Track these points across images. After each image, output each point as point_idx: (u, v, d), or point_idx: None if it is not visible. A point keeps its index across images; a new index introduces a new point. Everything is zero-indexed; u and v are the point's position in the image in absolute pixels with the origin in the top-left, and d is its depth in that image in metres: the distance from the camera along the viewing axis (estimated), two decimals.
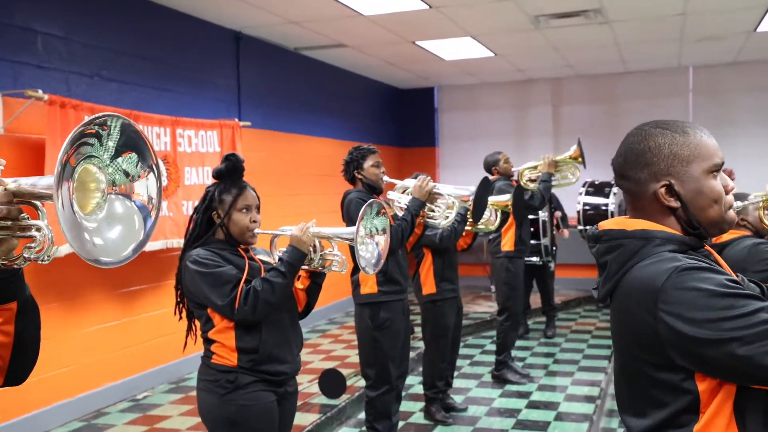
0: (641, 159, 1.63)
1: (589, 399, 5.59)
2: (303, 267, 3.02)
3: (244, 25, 7.03)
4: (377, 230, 3.10)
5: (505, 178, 6.21)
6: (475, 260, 10.80)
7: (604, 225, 1.68)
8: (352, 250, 3.04)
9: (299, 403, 5.39)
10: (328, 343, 7.51)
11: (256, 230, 2.99)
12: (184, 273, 2.91)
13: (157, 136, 5.56)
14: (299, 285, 3.14)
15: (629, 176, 1.65)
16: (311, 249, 2.97)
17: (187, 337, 3.10)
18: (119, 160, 1.58)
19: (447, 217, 4.34)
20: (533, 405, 5.52)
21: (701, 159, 1.60)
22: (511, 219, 6.07)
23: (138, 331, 5.78)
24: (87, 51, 5.38)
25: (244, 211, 2.96)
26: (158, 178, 1.59)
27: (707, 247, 1.65)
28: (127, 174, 1.62)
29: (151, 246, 5.50)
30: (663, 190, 1.60)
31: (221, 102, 6.99)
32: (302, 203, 8.30)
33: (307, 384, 5.81)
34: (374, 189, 4.36)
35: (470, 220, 5.36)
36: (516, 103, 11.24)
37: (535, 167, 6.23)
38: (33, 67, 4.92)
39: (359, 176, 4.36)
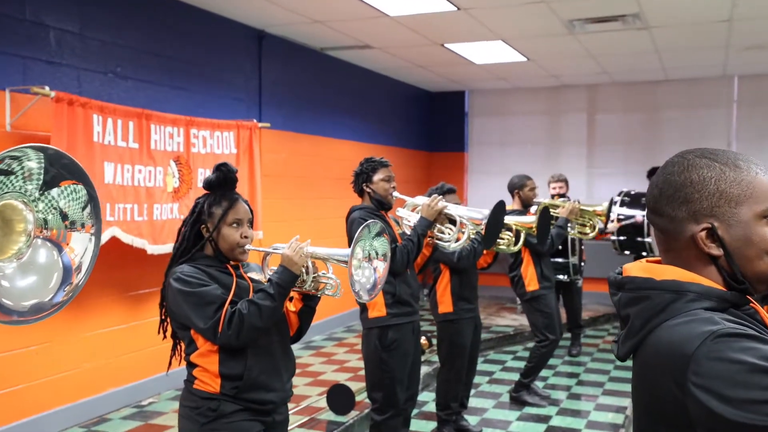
0: (680, 193, 1.37)
1: (614, 427, 5.30)
2: (295, 289, 2.81)
3: (267, 23, 6.85)
4: (377, 254, 2.86)
5: (521, 210, 5.90)
6: (499, 270, 10.46)
7: (629, 270, 1.42)
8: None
9: (305, 418, 5.21)
10: (343, 352, 7.30)
11: (246, 246, 2.78)
12: (167, 290, 2.72)
13: (170, 135, 5.40)
14: (291, 307, 2.94)
15: (664, 212, 1.39)
16: (304, 270, 2.76)
17: (171, 357, 2.92)
18: (54, 192, 1.30)
19: (458, 240, 4.10)
20: (552, 431, 5.25)
21: (754, 201, 1.33)
22: (527, 257, 5.79)
23: (145, 335, 5.62)
24: (102, 47, 5.23)
25: (235, 225, 2.77)
26: (96, 247, 1.30)
27: (754, 304, 1.38)
28: (65, 217, 1.37)
29: (160, 249, 5.33)
30: (704, 233, 1.34)
31: (241, 102, 6.82)
32: (323, 207, 8.10)
33: (316, 397, 5.61)
34: (383, 204, 4.15)
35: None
36: (549, 110, 10.92)
37: (557, 207, 6.00)
38: (43, 62, 4.78)
39: (368, 190, 4.16)
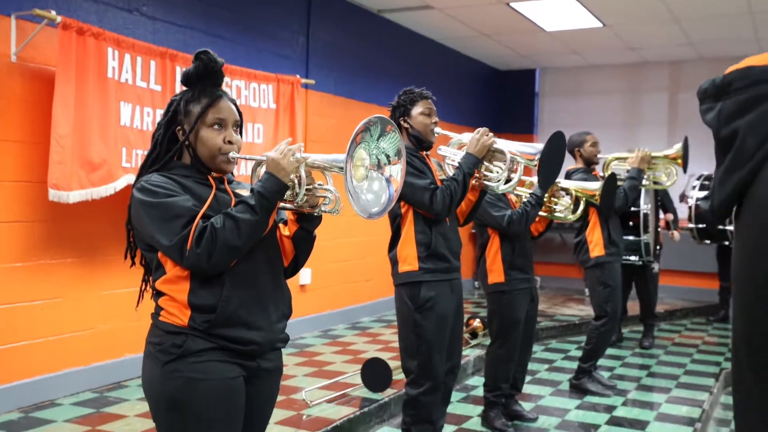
0: None
1: (688, 421, 4.60)
2: (286, 206, 2.28)
3: None
4: (388, 158, 2.25)
5: (585, 168, 5.30)
6: (568, 260, 9.79)
7: (741, 63, 0.86)
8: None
9: (337, 393, 4.67)
10: (390, 333, 6.75)
11: (231, 154, 2.25)
12: (131, 204, 2.23)
13: None
14: (285, 231, 2.39)
15: None
16: (296, 181, 2.21)
17: (142, 288, 2.42)
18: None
19: (509, 180, 3.47)
20: (616, 421, 4.57)
21: None
22: (594, 219, 5.14)
23: None
24: None
25: (216, 127, 2.23)
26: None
27: None
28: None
29: None
30: None
31: (286, 60, 6.34)
32: None
33: (352, 373, 5.07)
34: (422, 142, 3.58)
35: (546, 206, 4.54)
36: (627, 89, 10.13)
37: (625, 159, 5.34)
38: None
39: (405, 125, 3.58)
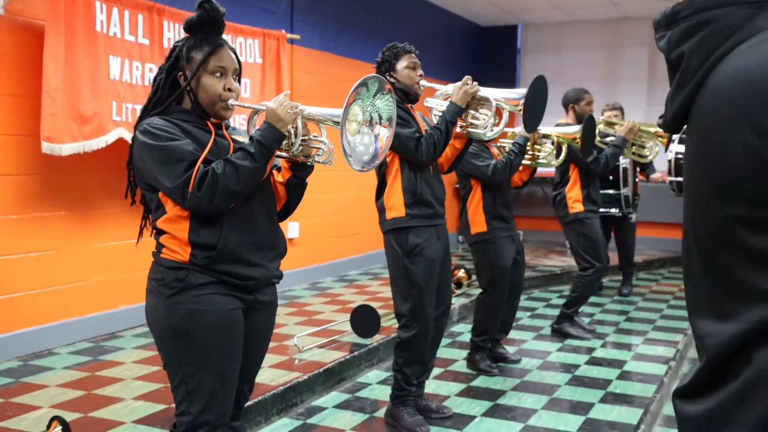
0: None
1: (663, 360, 4.80)
2: (281, 155, 2.40)
3: None
4: (380, 118, 2.40)
5: (575, 124, 5.43)
6: (549, 214, 9.95)
7: None
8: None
9: (327, 339, 4.83)
10: (378, 285, 6.91)
11: (230, 101, 2.36)
12: (134, 145, 2.33)
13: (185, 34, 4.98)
14: (279, 178, 2.52)
15: None
16: (292, 131, 2.33)
17: (141, 225, 2.54)
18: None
19: (495, 127, 3.57)
20: (595, 361, 4.77)
21: None
22: (574, 176, 5.27)
23: None
24: None
25: (218, 75, 2.34)
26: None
27: None
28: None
29: None
30: None
31: (272, 14, 6.38)
32: None
33: (342, 321, 5.22)
34: (408, 95, 3.67)
35: (529, 153, 4.67)
36: (608, 44, 10.24)
37: (613, 125, 5.45)
38: None
39: (391, 79, 3.67)
